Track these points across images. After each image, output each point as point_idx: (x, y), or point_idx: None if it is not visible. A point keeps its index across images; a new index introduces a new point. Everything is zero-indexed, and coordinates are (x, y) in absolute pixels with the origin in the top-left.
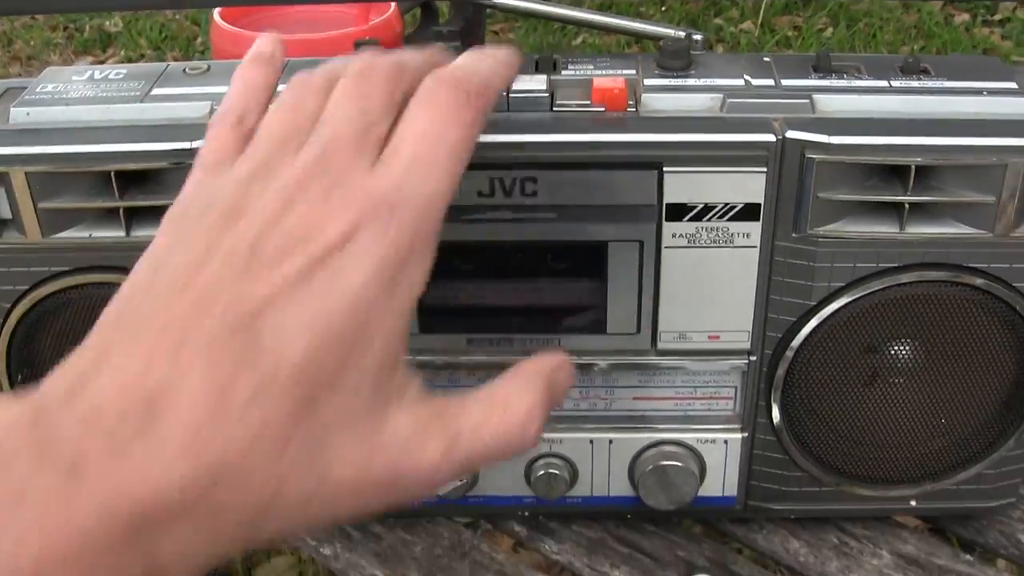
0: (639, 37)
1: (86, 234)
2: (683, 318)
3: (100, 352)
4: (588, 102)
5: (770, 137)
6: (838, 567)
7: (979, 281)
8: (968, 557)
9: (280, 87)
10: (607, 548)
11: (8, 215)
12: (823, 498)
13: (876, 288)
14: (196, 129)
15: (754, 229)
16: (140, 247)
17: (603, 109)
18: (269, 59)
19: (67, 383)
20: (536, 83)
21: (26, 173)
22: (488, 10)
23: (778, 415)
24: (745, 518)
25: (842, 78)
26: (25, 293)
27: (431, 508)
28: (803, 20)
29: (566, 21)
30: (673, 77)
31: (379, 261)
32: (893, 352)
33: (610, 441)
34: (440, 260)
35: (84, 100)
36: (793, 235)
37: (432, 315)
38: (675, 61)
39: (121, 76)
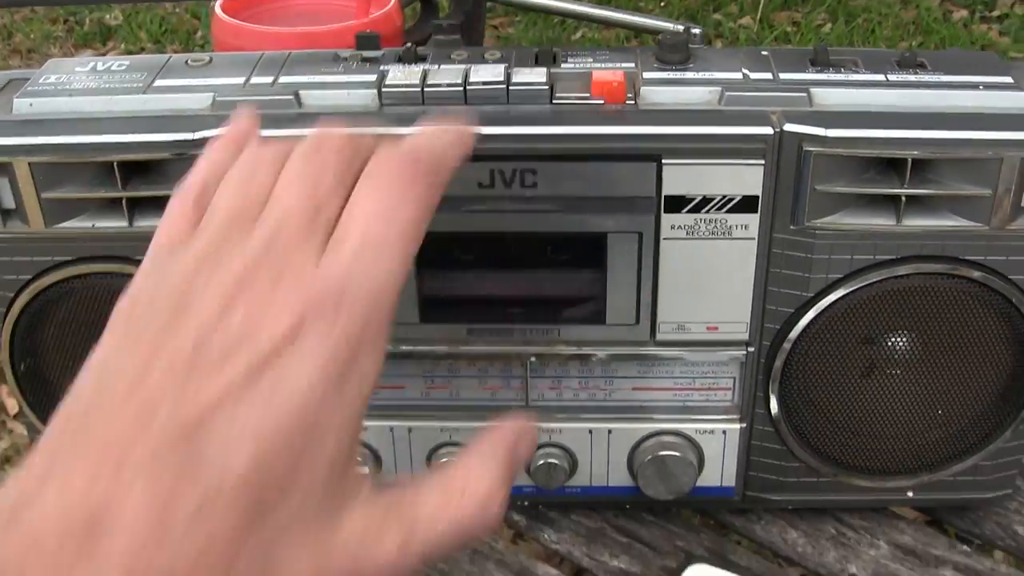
0: (638, 31)
1: (89, 224)
2: (682, 309)
3: (45, 468)
4: (587, 95)
5: (768, 130)
6: (836, 557)
7: (976, 274)
8: (965, 548)
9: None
10: (606, 537)
11: (12, 205)
12: (821, 489)
13: (873, 280)
14: (198, 120)
15: (752, 221)
16: (143, 237)
17: (602, 102)
18: (242, 140)
19: (11, 503)
20: (536, 76)
21: (30, 163)
22: (488, 4)
23: (776, 406)
24: (743, 508)
25: (839, 72)
26: (28, 283)
27: None
28: (802, 16)
29: (565, 15)
30: (672, 70)
31: (327, 358)
32: (890, 344)
33: (609, 431)
34: (441, 251)
35: (87, 91)
36: (791, 227)
37: (432, 305)
38: (674, 55)
39: (124, 68)
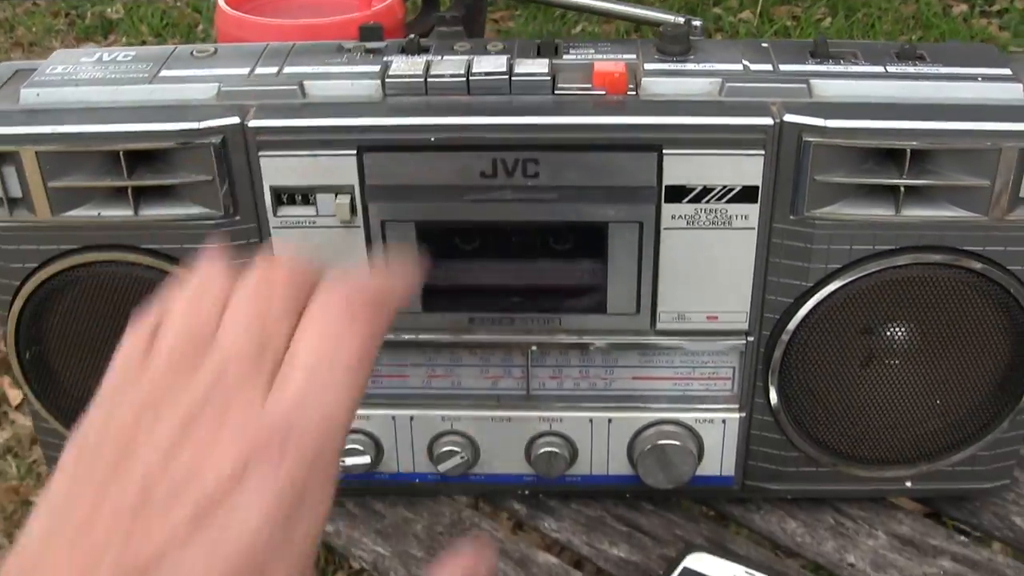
0: (639, 23)
1: (95, 213)
2: (682, 298)
3: None
4: (589, 85)
5: (768, 121)
6: (834, 547)
7: (976, 264)
8: (963, 538)
9: None
10: (606, 526)
11: (18, 194)
12: (820, 479)
13: (872, 270)
14: (204, 110)
15: (752, 211)
16: (148, 225)
17: (604, 92)
18: (208, 287)
19: None
20: (538, 67)
21: (36, 153)
22: None
23: (775, 395)
24: (742, 498)
25: (839, 64)
26: (34, 271)
27: (432, 486)
28: (802, 10)
29: (566, 7)
30: (673, 62)
31: (273, 500)
32: (889, 334)
33: (609, 420)
34: (443, 240)
35: (93, 81)
36: (790, 217)
37: (434, 294)
38: (675, 46)
39: (129, 58)
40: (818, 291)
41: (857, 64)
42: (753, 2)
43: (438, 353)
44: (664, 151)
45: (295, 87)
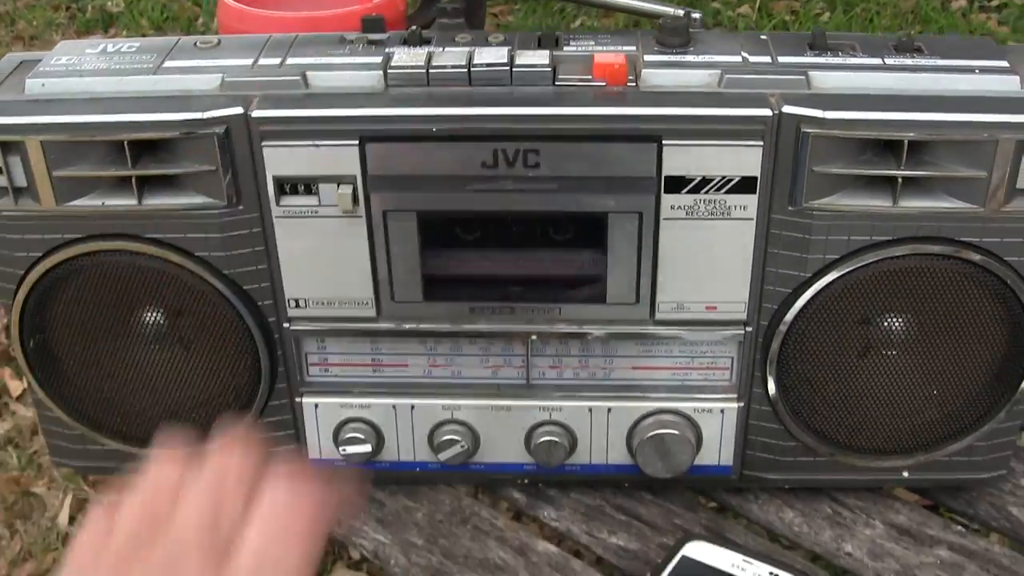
0: (638, 16)
1: (99, 202)
2: (681, 289)
3: None
4: (589, 77)
5: (767, 112)
6: (831, 536)
7: (974, 255)
8: (959, 528)
9: None
10: (605, 515)
11: (23, 183)
12: (817, 468)
13: (870, 261)
14: (207, 100)
15: (751, 202)
16: (152, 215)
17: (604, 84)
18: (164, 477)
19: None
20: (539, 58)
21: (41, 142)
22: None
23: (773, 385)
24: (740, 488)
25: (837, 56)
26: (39, 260)
27: (433, 475)
28: (800, 5)
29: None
30: (672, 53)
31: None
32: (886, 324)
33: (609, 410)
34: (444, 230)
35: (98, 72)
36: (789, 208)
37: (435, 284)
38: (674, 38)
39: (134, 49)
40: (816, 281)
41: (855, 56)
42: None
43: (439, 342)
44: (664, 142)
45: (298, 78)
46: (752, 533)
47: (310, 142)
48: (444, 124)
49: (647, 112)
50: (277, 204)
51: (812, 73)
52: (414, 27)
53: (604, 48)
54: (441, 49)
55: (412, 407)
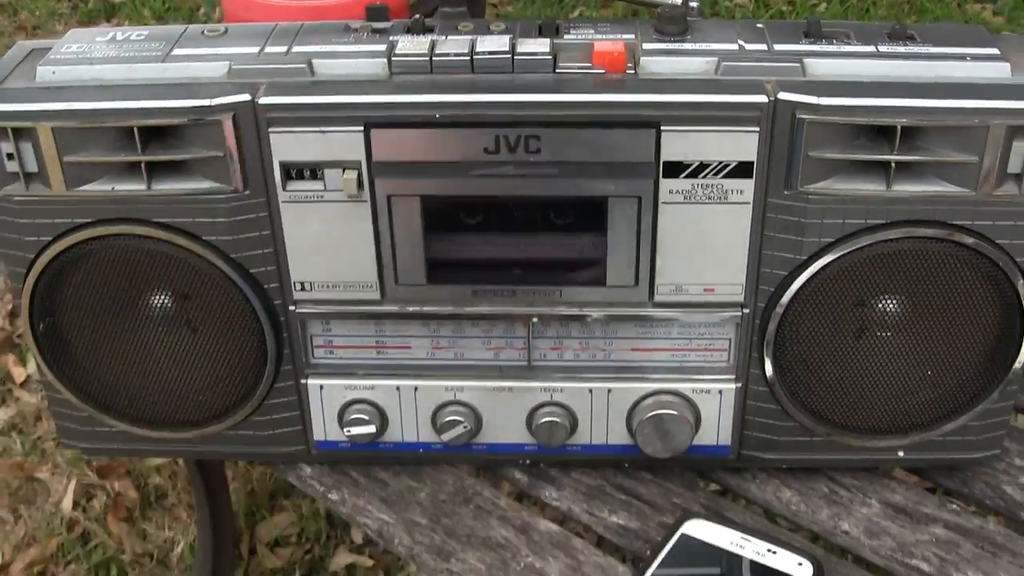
0: (636, 5)
1: (108, 187)
2: (679, 271)
3: None
4: (589, 64)
5: (763, 98)
6: (828, 515)
7: (967, 239)
8: (954, 507)
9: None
10: (605, 495)
11: (34, 168)
12: (814, 448)
13: (864, 244)
14: (215, 87)
15: (747, 186)
16: (160, 200)
17: (603, 71)
18: None
19: None
20: (540, 46)
21: (52, 128)
22: None
23: (770, 366)
24: (738, 468)
25: (832, 43)
26: (49, 244)
27: (436, 455)
28: None
29: None
30: (670, 41)
31: None
32: (881, 306)
33: (609, 390)
34: (447, 214)
35: (107, 60)
36: (785, 192)
37: (438, 267)
38: (672, 26)
39: (142, 37)
40: (812, 264)
41: (849, 44)
42: None
43: (442, 325)
44: (662, 128)
45: (304, 65)
46: (750, 512)
47: (316, 128)
48: (447, 111)
49: (646, 99)
50: (283, 189)
51: (807, 60)
52: (417, 16)
53: (604, 36)
54: (444, 37)
55: (415, 388)
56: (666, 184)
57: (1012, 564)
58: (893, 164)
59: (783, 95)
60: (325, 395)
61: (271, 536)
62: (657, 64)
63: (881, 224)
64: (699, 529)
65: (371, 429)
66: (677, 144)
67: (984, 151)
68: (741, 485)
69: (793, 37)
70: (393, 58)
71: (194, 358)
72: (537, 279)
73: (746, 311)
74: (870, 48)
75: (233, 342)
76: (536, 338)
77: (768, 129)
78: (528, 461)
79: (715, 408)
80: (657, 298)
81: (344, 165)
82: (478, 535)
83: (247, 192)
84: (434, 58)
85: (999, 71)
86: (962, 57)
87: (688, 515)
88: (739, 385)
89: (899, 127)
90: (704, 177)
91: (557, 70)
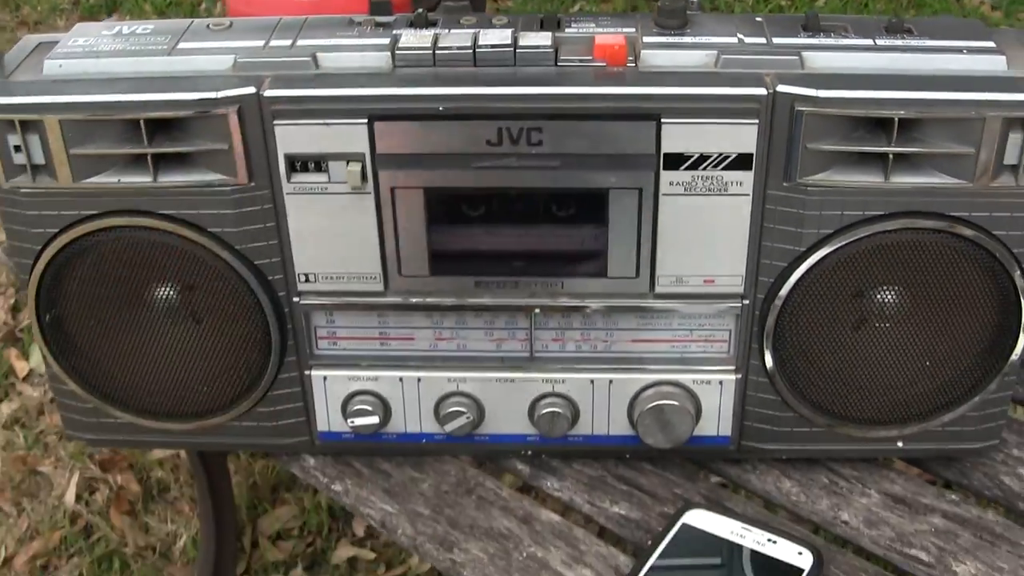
0: None
1: (115, 179)
2: (680, 263)
3: None
4: (590, 57)
5: (762, 91)
6: (828, 505)
7: (966, 230)
8: (953, 497)
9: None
10: (607, 485)
11: (41, 161)
12: (814, 439)
13: (863, 235)
14: (221, 80)
15: (747, 178)
16: (166, 192)
17: (604, 64)
18: None
19: None
20: (541, 39)
21: (60, 121)
22: None
23: (770, 357)
24: (739, 459)
25: (830, 37)
26: (55, 236)
27: (438, 446)
28: None
29: None
30: (670, 35)
31: None
32: (879, 297)
33: (610, 381)
34: (450, 206)
35: (114, 53)
36: (784, 184)
37: (441, 258)
38: (672, 20)
39: (148, 31)
40: (811, 255)
41: (847, 37)
42: None
43: (444, 316)
44: (662, 120)
45: (308, 59)
46: (751, 503)
47: (320, 121)
48: (450, 103)
49: (646, 91)
50: (288, 181)
51: (806, 53)
52: (420, 10)
53: (604, 30)
54: (447, 31)
55: (418, 380)
56: (666, 176)
57: (1011, 554)
58: (891, 156)
59: (782, 88)
60: (329, 386)
61: (273, 529)
62: (657, 57)
63: (879, 215)
64: (700, 519)
65: (374, 420)
66: (677, 136)
67: (981, 143)
68: (741, 476)
69: (792, 30)
70: (396, 51)
71: (199, 349)
72: (539, 270)
73: (746, 302)
74: (868, 41)
75: (237, 333)
76: (538, 329)
77: (767, 121)
78: (530, 452)
79: (715, 399)
80: (658, 289)
81: (348, 157)
82: (480, 525)
83: (252, 184)
84: (437, 51)
85: (995, 64)
86: (959, 50)
87: (689, 505)
88: (739, 376)
89: (896, 119)
90: (704, 169)
91: (558, 63)
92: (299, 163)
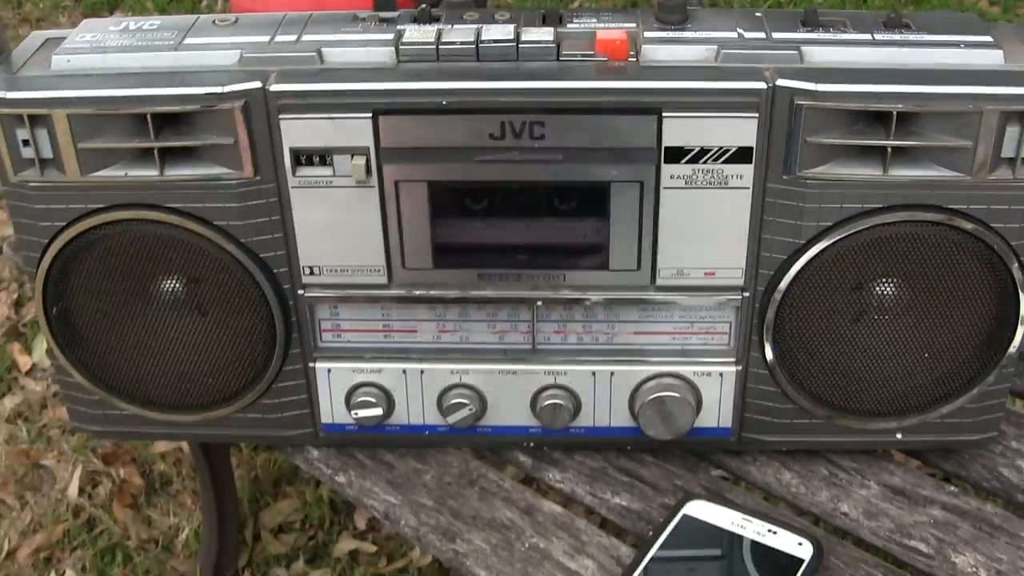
0: None
1: (122, 173)
2: (680, 255)
3: None
4: (592, 52)
5: (761, 85)
6: (828, 497)
7: (964, 223)
8: (952, 489)
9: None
10: (608, 477)
11: (49, 155)
12: (814, 430)
13: (862, 227)
14: (227, 75)
15: (747, 171)
16: (172, 185)
17: (606, 59)
18: None
19: None
20: (543, 34)
21: (68, 115)
22: None
23: (770, 349)
24: (739, 451)
25: (829, 31)
26: (63, 229)
27: (441, 438)
28: None
29: None
30: (671, 30)
31: None
32: (878, 290)
33: (611, 373)
34: (453, 199)
35: (121, 48)
36: (784, 177)
37: (445, 251)
38: (672, 15)
39: (155, 27)
40: (810, 248)
41: (846, 32)
42: None
43: (448, 308)
44: (663, 114)
45: (313, 54)
46: (751, 495)
47: (325, 115)
48: (453, 98)
49: (647, 85)
50: (293, 175)
51: (805, 48)
52: (423, 5)
53: (606, 25)
54: (450, 26)
55: (422, 371)
56: (667, 169)
57: (1009, 545)
58: (889, 149)
59: (781, 82)
60: (333, 378)
61: (275, 522)
62: (658, 52)
63: (878, 208)
64: (700, 510)
65: (378, 412)
66: (678, 130)
67: (978, 136)
68: (741, 468)
69: (791, 25)
70: (400, 47)
71: (204, 342)
72: (541, 263)
73: (746, 294)
74: (866, 36)
75: (242, 326)
76: (540, 321)
77: (767, 115)
78: (532, 443)
79: (716, 391)
80: (659, 282)
81: (353, 151)
82: (483, 516)
83: (258, 178)
84: (440, 46)
85: (992, 58)
86: (956, 45)
87: (690, 496)
88: (739, 368)
89: (895, 113)
90: (704, 162)
91: (561, 58)
92: (304, 157)
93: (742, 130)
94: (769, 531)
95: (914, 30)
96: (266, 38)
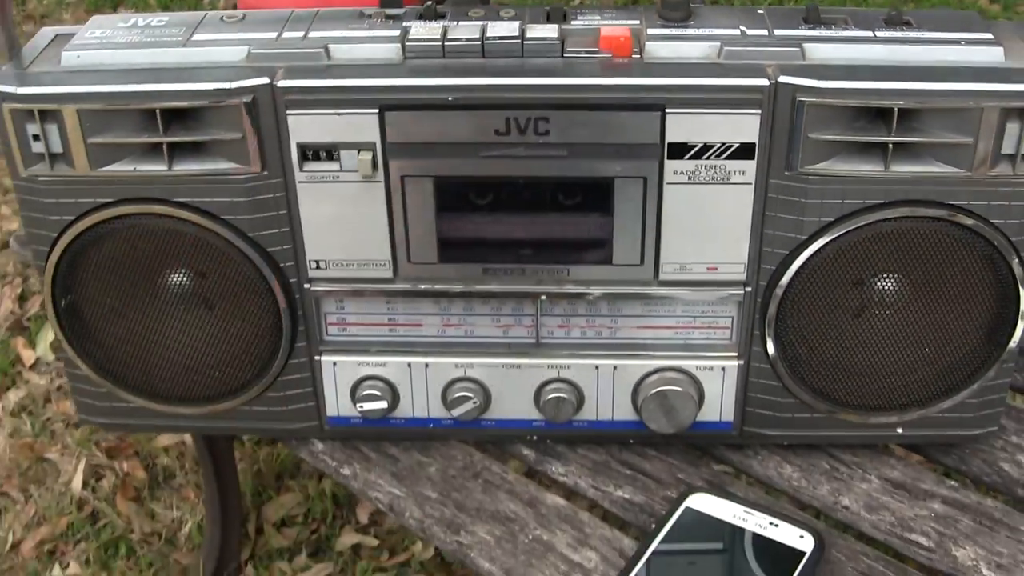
0: None
1: (131, 167)
2: (683, 250)
3: None
4: (596, 49)
5: (764, 82)
6: (829, 491)
7: (965, 219)
8: (952, 483)
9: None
10: (611, 470)
11: (59, 149)
12: (815, 425)
13: (863, 223)
14: (235, 71)
15: (749, 167)
16: (180, 180)
17: (610, 55)
18: None
19: None
20: (548, 31)
21: (78, 110)
22: None
23: (772, 344)
24: (741, 445)
25: (830, 29)
26: (72, 223)
27: (446, 431)
28: None
29: None
30: (674, 27)
31: None
32: (879, 285)
33: (614, 367)
34: (458, 194)
35: (130, 44)
36: (785, 173)
37: (450, 246)
38: (675, 12)
39: (163, 24)
40: (812, 243)
41: (847, 29)
42: None
43: (452, 303)
44: (667, 110)
45: (320, 50)
46: (753, 488)
47: (332, 111)
48: (459, 94)
49: (651, 82)
50: (300, 170)
51: (807, 45)
52: (429, 2)
53: (610, 22)
54: (456, 23)
55: (426, 365)
56: (671, 165)
57: (1010, 539)
58: (891, 145)
59: (784, 78)
60: (338, 372)
61: (278, 516)
62: (661, 49)
63: (879, 204)
64: (703, 503)
65: (383, 405)
66: (681, 126)
67: (979, 133)
68: (743, 461)
69: (793, 23)
70: (407, 43)
71: (211, 335)
72: (545, 258)
73: (748, 289)
74: (868, 33)
75: (249, 319)
76: (544, 316)
77: (769, 111)
78: (535, 437)
79: (718, 385)
80: (662, 277)
81: (359, 146)
82: (487, 509)
83: (265, 172)
84: (446, 43)
85: (993, 55)
86: (957, 42)
87: (692, 489)
88: (741, 362)
89: (896, 109)
90: (707, 158)
91: (565, 54)
92: (311, 152)
93: (744, 126)
94: (771, 524)
95: (915, 27)
96: (273, 35)
